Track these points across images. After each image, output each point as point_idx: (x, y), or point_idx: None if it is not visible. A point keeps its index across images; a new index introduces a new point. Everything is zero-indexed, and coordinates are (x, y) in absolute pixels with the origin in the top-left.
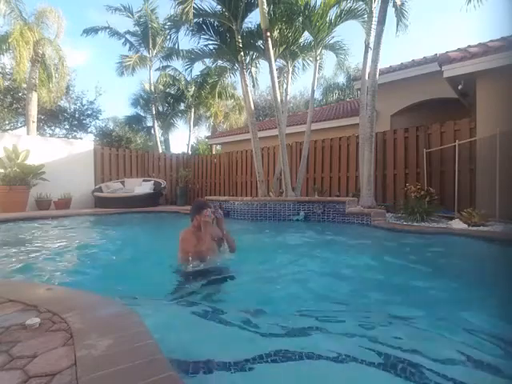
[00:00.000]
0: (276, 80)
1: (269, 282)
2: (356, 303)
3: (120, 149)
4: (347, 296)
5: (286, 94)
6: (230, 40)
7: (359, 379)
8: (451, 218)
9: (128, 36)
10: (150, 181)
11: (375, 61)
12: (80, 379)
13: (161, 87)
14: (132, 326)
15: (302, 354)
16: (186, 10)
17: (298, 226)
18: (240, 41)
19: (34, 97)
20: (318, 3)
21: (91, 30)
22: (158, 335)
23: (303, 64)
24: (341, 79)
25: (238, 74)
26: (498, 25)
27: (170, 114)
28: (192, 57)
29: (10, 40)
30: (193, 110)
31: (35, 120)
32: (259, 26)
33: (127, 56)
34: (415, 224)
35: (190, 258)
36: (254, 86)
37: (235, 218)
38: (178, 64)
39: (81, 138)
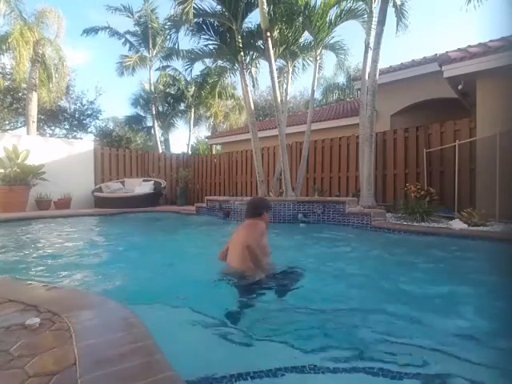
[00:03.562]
0: (276, 80)
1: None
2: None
3: (120, 149)
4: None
5: (286, 94)
6: (230, 40)
7: None
8: (451, 218)
9: (128, 36)
10: (150, 181)
11: (375, 61)
12: (80, 379)
13: (161, 87)
14: (132, 326)
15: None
16: (186, 10)
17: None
18: (240, 41)
19: (34, 97)
20: (318, 3)
21: (91, 30)
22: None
23: (303, 64)
24: (341, 79)
25: (237, 73)
26: (498, 25)
27: (170, 114)
28: (192, 57)
29: (9, 40)
30: (193, 110)
31: (35, 120)
32: (259, 26)
33: (127, 56)
34: (415, 224)
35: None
36: (254, 86)
37: (235, 218)
38: (178, 64)
39: (81, 138)
